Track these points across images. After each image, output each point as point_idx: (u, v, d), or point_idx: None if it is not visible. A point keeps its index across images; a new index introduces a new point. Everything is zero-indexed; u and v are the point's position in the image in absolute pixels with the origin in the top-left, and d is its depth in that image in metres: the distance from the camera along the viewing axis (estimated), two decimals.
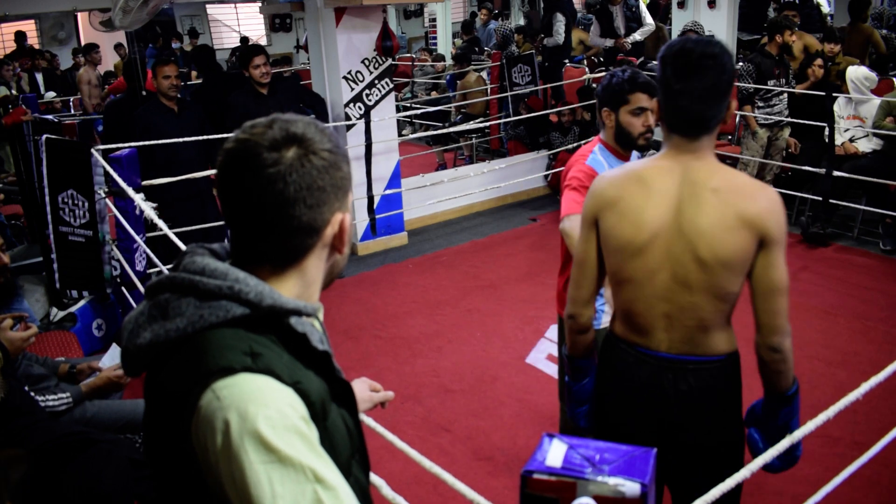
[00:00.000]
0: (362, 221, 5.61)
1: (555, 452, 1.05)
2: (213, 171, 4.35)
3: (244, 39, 12.72)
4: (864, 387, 1.65)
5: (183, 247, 2.62)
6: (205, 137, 4.31)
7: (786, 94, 5.37)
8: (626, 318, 1.72)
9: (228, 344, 0.89)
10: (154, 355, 0.92)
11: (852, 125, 5.33)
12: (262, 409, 0.83)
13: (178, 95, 4.43)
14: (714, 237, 1.54)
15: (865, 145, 5.30)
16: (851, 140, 5.31)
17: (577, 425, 1.94)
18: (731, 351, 1.68)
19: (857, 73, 5.24)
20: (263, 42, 12.69)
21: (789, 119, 5.33)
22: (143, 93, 4.88)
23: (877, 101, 5.21)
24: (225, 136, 4.66)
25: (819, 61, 5.47)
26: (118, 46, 11.33)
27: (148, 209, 3.20)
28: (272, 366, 0.88)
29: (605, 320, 2.27)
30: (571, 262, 1.88)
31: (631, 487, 0.97)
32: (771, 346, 1.60)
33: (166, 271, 3.30)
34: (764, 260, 1.56)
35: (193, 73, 9.94)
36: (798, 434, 1.62)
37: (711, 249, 1.54)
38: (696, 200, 1.56)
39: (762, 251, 1.55)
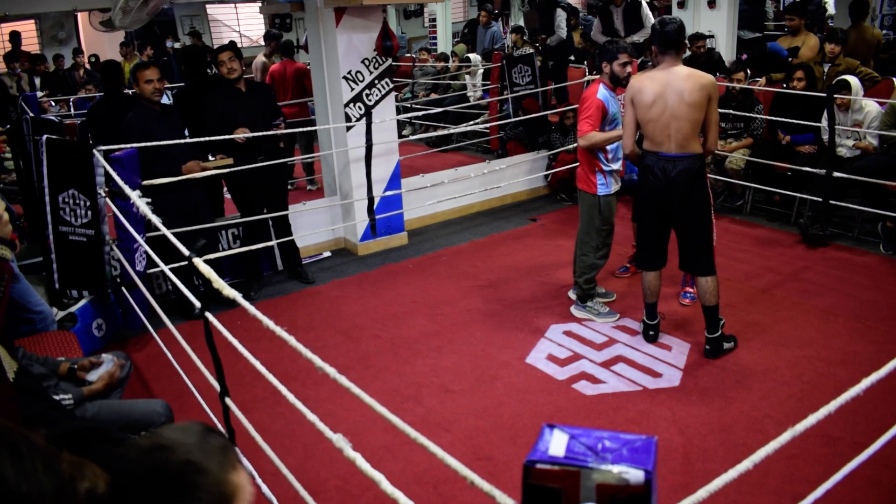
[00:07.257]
0: (362, 222, 5.61)
1: (557, 442, 1.04)
2: (206, 167, 4.40)
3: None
4: (865, 383, 1.65)
5: (182, 248, 2.62)
6: (199, 140, 4.48)
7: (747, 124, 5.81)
8: (650, 139, 3.56)
9: None
10: None
11: (852, 132, 5.33)
12: None
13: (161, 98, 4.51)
14: (690, 92, 3.40)
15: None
16: (858, 139, 5.32)
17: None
18: (699, 153, 3.54)
19: (855, 84, 5.24)
20: (262, 42, 12.68)
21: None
22: (131, 92, 4.94)
23: (868, 107, 5.19)
24: (220, 137, 4.61)
25: (800, 73, 5.49)
26: (125, 44, 11.35)
27: (143, 206, 3.19)
28: None
29: (613, 189, 4.10)
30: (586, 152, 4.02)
31: (635, 475, 0.97)
32: (712, 151, 3.61)
33: (168, 271, 3.24)
34: (710, 107, 3.45)
35: None
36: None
37: (689, 97, 3.40)
38: (677, 79, 3.44)
39: (710, 103, 3.44)
